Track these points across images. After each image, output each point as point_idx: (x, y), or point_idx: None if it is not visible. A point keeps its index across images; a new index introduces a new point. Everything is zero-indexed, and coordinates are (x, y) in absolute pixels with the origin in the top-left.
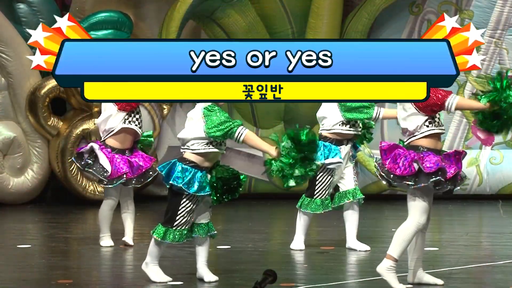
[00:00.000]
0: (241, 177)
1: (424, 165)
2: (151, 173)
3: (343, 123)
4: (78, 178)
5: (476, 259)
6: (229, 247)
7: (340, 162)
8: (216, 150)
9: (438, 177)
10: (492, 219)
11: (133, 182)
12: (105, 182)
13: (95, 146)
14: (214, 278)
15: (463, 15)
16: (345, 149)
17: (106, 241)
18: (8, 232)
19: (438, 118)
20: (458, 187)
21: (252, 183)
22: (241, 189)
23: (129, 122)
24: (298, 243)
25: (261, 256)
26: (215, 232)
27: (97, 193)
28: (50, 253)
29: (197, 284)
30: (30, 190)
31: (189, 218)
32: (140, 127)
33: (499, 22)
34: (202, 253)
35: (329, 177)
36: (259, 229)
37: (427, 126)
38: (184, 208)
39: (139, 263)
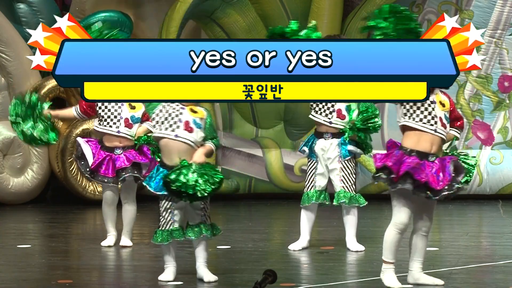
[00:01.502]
0: (180, 183)
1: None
2: (123, 173)
3: (312, 109)
4: (78, 178)
5: (476, 259)
6: (229, 247)
7: (304, 151)
8: (158, 135)
9: (378, 174)
10: (492, 219)
11: (112, 181)
12: (88, 176)
13: (80, 140)
14: (213, 278)
15: (463, 15)
16: (323, 143)
17: (107, 240)
18: (8, 232)
19: (425, 116)
20: (442, 194)
21: (252, 183)
22: (190, 194)
23: (99, 123)
24: (296, 243)
25: (261, 256)
26: (207, 234)
27: (97, 193)
28: (50, 253)
29: (197, 284)
30: (30, 190)
31: (169, 217)
32: (109, 125)
33: (499, 22)
34: (199, 254)
35: (312, 169)
36: (259, 229)
37: (403, 118)
38: (162, 208)
39: (139, 263)
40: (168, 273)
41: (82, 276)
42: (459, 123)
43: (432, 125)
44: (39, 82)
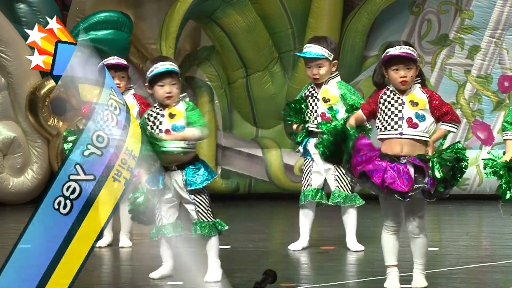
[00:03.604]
0: None
1: None
2: None
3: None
4: None
5: (476, 259)
6: (229, 247)
7: (299, 151)
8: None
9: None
10: (492, 219)
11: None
12: None
13: None
14: (212, 279)
15: (463, 15)
16: (315, 141)
17: (99, 240)
18: (8, 232)
19: (388, 123)
20: (408, 195)
21: (252, 183)
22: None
23: None
24: (296, 243)
25: (261, 256)
26: (202, 233)
27: None
28: None
29: (197, 284)
30: (30, 190)
31: (158, 213)
32: None
33: (499, 22)
34: (208, 252)
35: (307, 168)
36: (259, 229)
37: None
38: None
39: (139, 263)
40: (158, 271)
41: (82, 276)
42: (448, 117)
43: (396, 129)
44: (39, 82)
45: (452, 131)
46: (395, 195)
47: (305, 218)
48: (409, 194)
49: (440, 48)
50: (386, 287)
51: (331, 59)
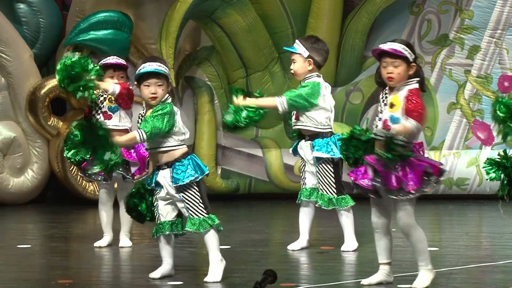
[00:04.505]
0: None
1: None
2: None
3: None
4: (78, 178)
5: (476, 259)
6: (229, 247)
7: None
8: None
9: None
10: (492, 219)
11: (104, 178)
12: (82, 175)
13: None
14: (211, 279)
15: (463, 15)
16: (303, 143)
17: (100, 240)
18: (8, 232)
19: (375, 121)
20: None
21: (252, 183)
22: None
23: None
24: (295, 243)
25: (261, 256)
26: (191, 230)
27: (97, 193)
28: (50, 253)
29: (197, 284)
30: (30, 190)
31: (156, 211)
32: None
33: (499, 22)
34: (207, 248)
35: (302, 167)
36: (259, 229)
37: None
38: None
39: (139, 263)
40: (158, 271)
41: (82, 276)
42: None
43: (374, 129)
44: (39, 82)
45: (406, 125)
46: (366, 192)
47: (304, 218)
48: (372, 191)
49: (440, 48)
50: (361, 283)
51: (305, 56)
